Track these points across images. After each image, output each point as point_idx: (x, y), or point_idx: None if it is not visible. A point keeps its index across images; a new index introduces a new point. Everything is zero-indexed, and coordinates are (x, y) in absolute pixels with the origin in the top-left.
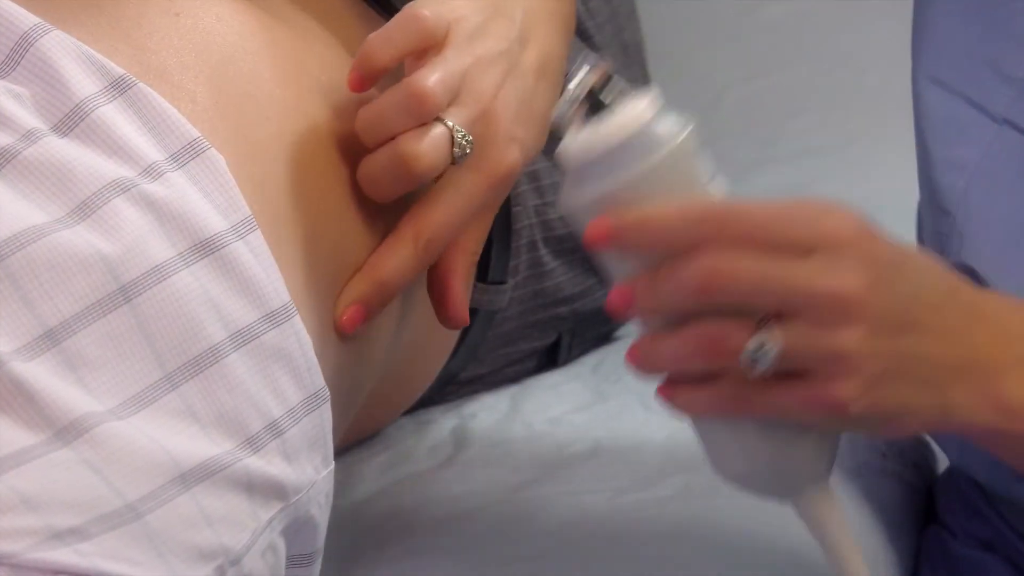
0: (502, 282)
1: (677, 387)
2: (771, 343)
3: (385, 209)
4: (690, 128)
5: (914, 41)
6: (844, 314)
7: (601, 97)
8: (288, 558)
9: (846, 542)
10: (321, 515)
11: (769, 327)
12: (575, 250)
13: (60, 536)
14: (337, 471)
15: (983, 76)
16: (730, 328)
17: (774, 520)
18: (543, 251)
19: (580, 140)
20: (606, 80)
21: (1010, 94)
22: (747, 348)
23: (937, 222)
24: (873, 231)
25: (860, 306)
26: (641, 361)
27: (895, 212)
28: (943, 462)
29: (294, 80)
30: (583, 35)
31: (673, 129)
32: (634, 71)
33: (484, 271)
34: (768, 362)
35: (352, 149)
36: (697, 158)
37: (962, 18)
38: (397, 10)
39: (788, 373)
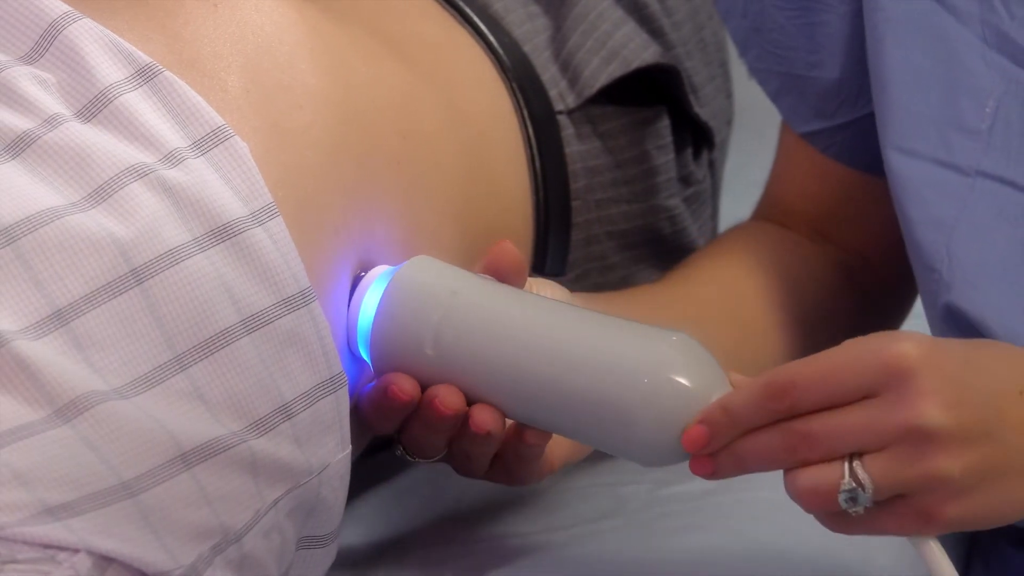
0: (559, 275)
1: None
2: (863, 486)
3: (415, 200)
4: None
5: (877, 115)
6: (928, 442)
7: None
8: (302, 539)
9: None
10: (335, 498)
11: (856, 467)
12: (641, 244)
13: (51, 511)
14: (382, 458)
15: (949, 137)
16: (821, 475)
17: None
18: (606, 245)
19: None
20: None
21: (978, 146)
22: (841, 492)
23: (924, 279)
24: (935, 346)
25: (941, 430)
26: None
27: None
28: None
29: (331, 71)
30: (655, 33)
31: None
32: (712, 70)
33: (541, 264)
34: (865, 502)
35: (385, 141)
36: None
37: (918, 88)
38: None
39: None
